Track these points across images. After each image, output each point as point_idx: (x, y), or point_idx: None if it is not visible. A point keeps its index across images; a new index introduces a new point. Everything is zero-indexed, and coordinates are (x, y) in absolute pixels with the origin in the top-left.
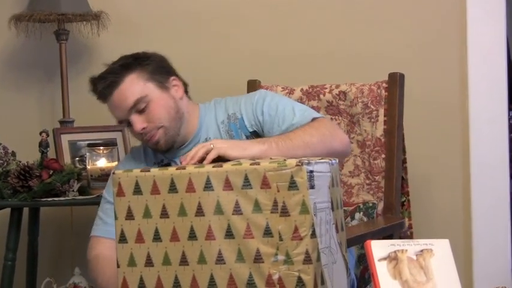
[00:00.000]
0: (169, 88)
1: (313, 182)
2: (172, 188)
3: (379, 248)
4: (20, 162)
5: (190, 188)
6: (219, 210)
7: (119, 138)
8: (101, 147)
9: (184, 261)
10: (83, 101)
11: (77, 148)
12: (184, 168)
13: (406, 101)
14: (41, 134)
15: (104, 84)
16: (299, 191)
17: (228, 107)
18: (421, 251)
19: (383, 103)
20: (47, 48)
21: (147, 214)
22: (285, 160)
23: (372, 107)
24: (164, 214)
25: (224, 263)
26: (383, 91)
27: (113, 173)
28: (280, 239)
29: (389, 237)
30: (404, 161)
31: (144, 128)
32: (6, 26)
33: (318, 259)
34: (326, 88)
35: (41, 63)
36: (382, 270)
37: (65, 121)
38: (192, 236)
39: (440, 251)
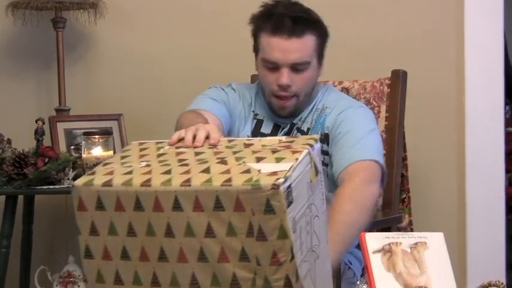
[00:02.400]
0: (321, 66)
1: (292, 196)
2: (138, 206)
3: (373, 241)
4: (16, 149)
5: (157, 207)
6: (190, 232)
7: (115, 127)
8: (97, 136)
9: (156, 282)
10: (79, 90)
11: (72, 136)
12: (149, 185)
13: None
14: (36, 121)
15: (292, 24)
16: (276, 215)
17: (328, 100)
18: (416, 244)
19: (385, 99)
20: (44, 36)
21: (112, 231)
22: (258, 180)
23: (374, 103)
24: (131, 232)
25: (199, 287)
26: (385, 88)
27: (72, 186)
28: (258, 264)
29: (387, 230)
30: (405, 158)
31: (289, 86)
32: (3, 13)
33: (297, 279)
34: (329, 84)
35: (37, 51)
36: (376, 263)
37: (61, 109)
38: (163, 257)
39: (435, 244)
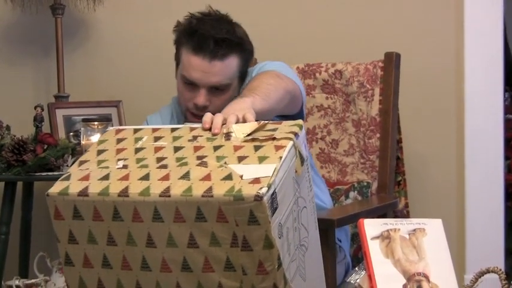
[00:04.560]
0: (240, 83)
1: (276, 202)
2: (117, 216)
3: (372, 227)
4: (15, 136)
5: (136, 218)
6: (172, 242)
7: (114, 114)
8: (96, 123)
9: None
10: (78, 76)
11: (71, 123)
12: (127, 195)
13: (401, 81)
14: (35, 108)
15: (215, 47)
16: (260, 226)
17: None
18: (414, 230)
19: (379, 82)
20: (43, 22)
21: (91, 240)
22: (240, 190)
23: (368, 86)
24: (111, 241)
25: None
26: (379, 70)
27: (47, 195)
28: (244, 273)
29: (383, 216)
30: (399, 141)
31: (205, 107)
32: (2, 0)
33: (285, 284)
34: (322, 67)
35: (36, 38)
36: (374, 249)
37: (60, 96)
38: (145, 266)
39: (433, 230)
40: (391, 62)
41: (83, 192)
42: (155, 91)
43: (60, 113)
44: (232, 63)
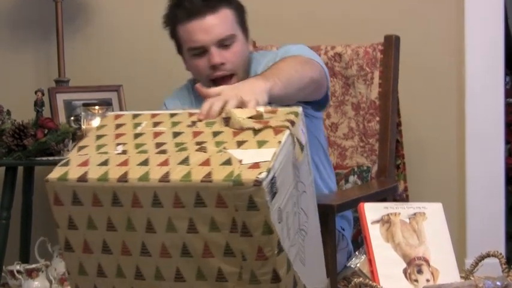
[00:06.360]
0: (248, 40)
1: (275, 187)
2: (116, 202)
3: (372, 211)
4: (15, 121)
5: (136, 203)
6: (171, 228)
7: (114, 98)
8: (96, 107)
9: (139, 275)
10: (78, 61)
11: (72, 107)
12: (126, 181)
13: (402, 65)
14: (36, 93)
15: (203, 2)
16: (259, 211)
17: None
18: (414, 214)
19: (378, 65)
20: (43, 6)
21: (91, 225)
22: (239, 175)
23: (367, 69)
24: (111, 227)
25: (184, 281)
26: (378, 53)
27: (46, 181)
28: (244, 259)
29: (383, 200)
30: (399, 124)
31: (223, 64)
32: None
33: (289, 268)
34: (321, 49)
35: (36, 22)
36: (374, 233)
37: (61, 80)
38: (145, 251)
39: (433, 214)
40: (391, 45)
41: (82, 178)
42: (155, 75)
43: (60, 98)
44: (226, 13)
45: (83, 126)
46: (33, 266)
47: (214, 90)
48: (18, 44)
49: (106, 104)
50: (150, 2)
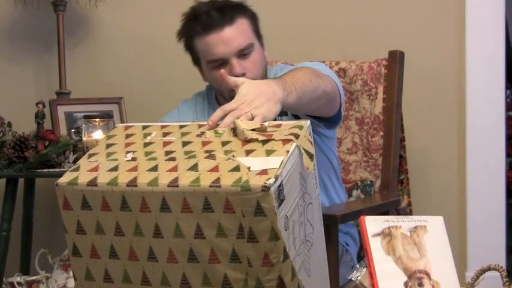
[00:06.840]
0: (263, 46)
1: (283, 194)
2: (125, 206)
3: (373, 224)
4: (16, 132)
5: (144, 208)
6: (179, 233)
7: (115, 110)
8: (97, 119)
9: (146, 281)
10: (79, 73)
11: (73, 119)
12: (135, 185)
13: (404, 79)
14: (37, 104)
15: (219, 15)
16: (266, 217)
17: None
18: (415, 227)
19: (382, 80)
20: (44, 18)
21: (99, 230)
22: (247, 181)
23: (371, 84)
24: (119, 232)
25: (190, 287)
26: (382, 69)
27: (56, 185)
28: (250, 265)
29: (385, 214)
30: (403, 139)
31: (243, 74)
32: None
33: (294, 276)
34: (326, 65)
35: (38, 34)
36: (375, 246)
37: (62, 92)
38: (152, 257)
39: (434, 227)
40: (395, 60)
41: (92, 182)
42: (156, 88)
43: (61, 110)
44: (243, 23)
45: (84, 139)
46: (34, 277)
47: (239, 86)
48: (20, 56)
49: (107, 117)
50: (151, 15)
